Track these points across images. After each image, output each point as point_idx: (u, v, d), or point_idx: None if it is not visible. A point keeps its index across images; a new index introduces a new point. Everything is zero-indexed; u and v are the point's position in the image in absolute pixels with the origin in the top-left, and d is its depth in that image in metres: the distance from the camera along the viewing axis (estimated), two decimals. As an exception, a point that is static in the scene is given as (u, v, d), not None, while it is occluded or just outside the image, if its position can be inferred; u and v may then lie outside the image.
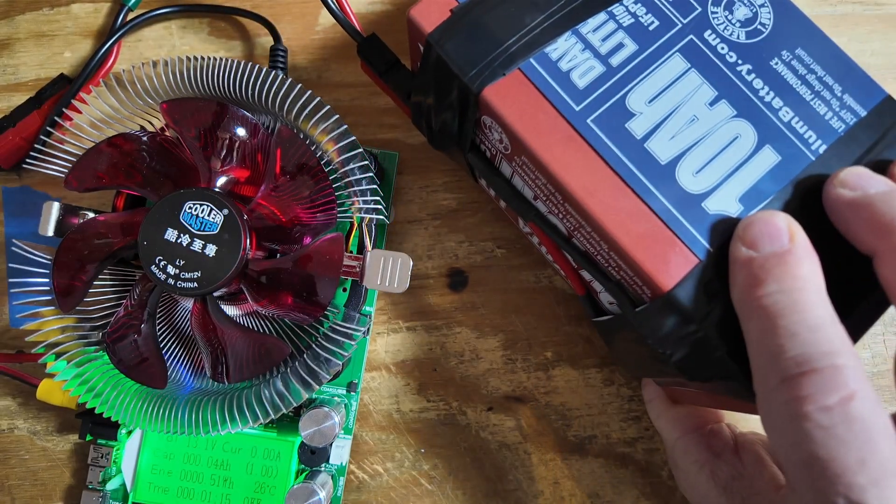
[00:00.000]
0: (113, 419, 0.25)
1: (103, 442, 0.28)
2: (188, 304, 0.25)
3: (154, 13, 0.32)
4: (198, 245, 0.24)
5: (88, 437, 0.28)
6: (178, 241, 0.24)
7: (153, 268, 0.24)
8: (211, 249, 0.24)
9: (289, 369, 0.25)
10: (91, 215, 0.26)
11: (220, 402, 0.25)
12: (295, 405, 0.24)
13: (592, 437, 0.31)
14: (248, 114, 0.25)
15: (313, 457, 0.28)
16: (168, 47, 0.32)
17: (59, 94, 0.31)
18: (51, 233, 0.25)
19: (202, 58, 0.25)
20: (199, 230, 0.24)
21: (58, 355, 0.25)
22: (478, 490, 0.30)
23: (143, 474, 0.28)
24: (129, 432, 0.28)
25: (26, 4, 0.33)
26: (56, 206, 0.26)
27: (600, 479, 0.30)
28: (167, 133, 0.26)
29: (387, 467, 0.31)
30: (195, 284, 0.23)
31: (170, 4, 0.32)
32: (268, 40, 0.32)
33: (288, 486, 0.27)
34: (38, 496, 0.30)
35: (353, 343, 0.25)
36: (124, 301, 0.25)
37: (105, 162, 0.25)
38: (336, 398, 0.30)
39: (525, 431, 0.31)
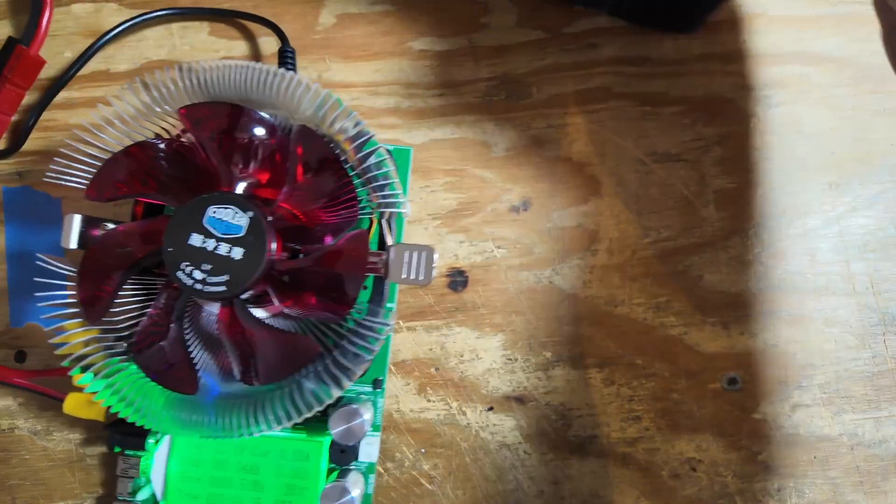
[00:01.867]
0: (145, 427, 0.25)
1: (131, 453, 0.28)
2: (214, 308, 0.25)
3: (154, 14, 0.32)
4: (223, 249, 0.23)
5: (117, 449, 0.28)
6: (204, 245, 0.23)
7: (179, 274, 0.23)
8: (237, 252, 0.23)
9: (319, 368, 0.25)
10: (111, 226, 0.26)
11: (251, 404, 0.25)
12: (327, 402, 0.24)
13: (593, 437, 0.31)
14: (265, 115, 0.25)
15: (343, 455, 0.28)
16: (168, 47, 0.32)
17: (10, 56, 0.30)
18: (73, 245, 0.25)
19: (215, 63, 0.25)
20: (223, 234, 0.23)
21: (85, 367, 0.25)
22: (478, 490, 0.30)
23: (172, 483, 0.28)
24: (157, 441, 0.28)
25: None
26: (77, 218, 0.25)
27: (601, 479, 0.30)
28: (183, 139, 0.26)
29: (387, 467, 0.31)
30: (223, 288, 0.23)
31: (171, 7, 0.32)
32: (269, 40, 0.32)
33: (319, 487, 0.27)
34: (39, 496, 0.31)
35: (380, 338, 0.24)
36: (149, 309, 0.25)
37: (123, 171, 0.25)
38: (362, 396, 0.29)
39: (525, 431, 0.31)
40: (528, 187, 0.32)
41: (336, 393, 0.24)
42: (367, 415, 0.27)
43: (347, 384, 0.24)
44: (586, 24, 0.32)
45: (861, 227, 0.31)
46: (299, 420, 0.24)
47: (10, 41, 0.30)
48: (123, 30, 0.32)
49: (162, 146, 0.25)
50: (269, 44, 0.32)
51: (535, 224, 0.31)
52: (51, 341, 0.25)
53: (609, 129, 0.32)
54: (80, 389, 0.26)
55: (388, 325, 0.25)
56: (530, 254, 0.31)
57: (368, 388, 0.30)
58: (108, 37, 0.31)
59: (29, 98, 0.32)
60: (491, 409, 0.31)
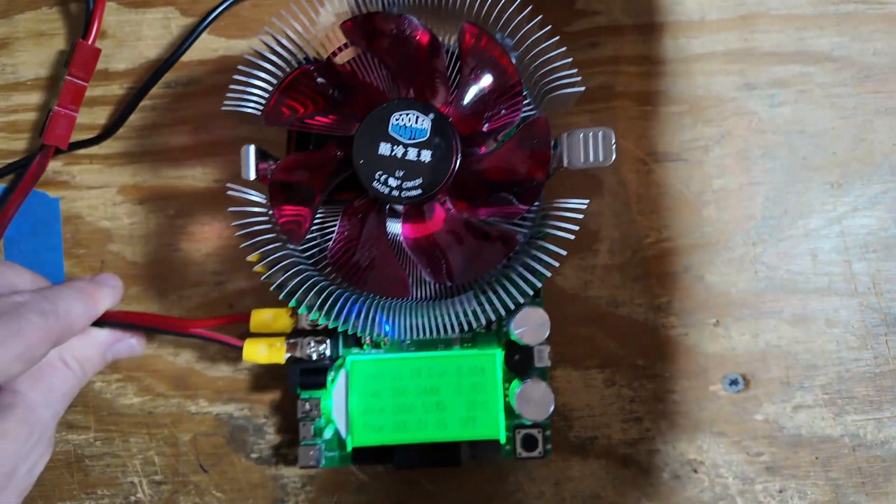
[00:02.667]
0: (354, 333, 0.25)
1: (306, 395, 0.28)
2: (395, 226, 0.26)
3: None
4: (412, 153, 0.24)
5: (300, 393, 0.28)
6: (393, 153, 0.24)
7: (375, 184, 0.24)
8: (426, 155, 0.24)
9: (524, 254, 0.25)
10: (272, 163, 0.26)
11: (458, 300, 0.25)
12: (537, 287, 0.25)
13: (594, 437, 0.30)
14: (419, 22, 0.25)
15: (519, 362, 0.28)
16: (168, 47, 0.32)
17: (74, 52, 0.31)
18: (252, 175, 0.25)
19: None
20: (410, 139, 0.24)
21: (284, 287, 0.25)
22: (478, 491, 0.30)
23: (356, 418, 0.28)
24: (334, 380, 0.28)
25: (26, 4, 0.32)
26: (252, 148, 0.25)
27: (601, 480, 0.30)
28: (338, 58, 0.27)
29: (388, 468, 0.30)
30: (419, 191, 0.24)
31: None
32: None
33: (499, 398, 0.28)
34: (38, 496, 0.30)
35: (579, 215, 0.24)
36: (338, 227, 0.26)
37: (295, 94, 0.25)
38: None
39: (525, 432, 0.30)
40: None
41: (546, 274, 0.24)
42: (544, 316, 0.27)
43: (556, 265, 0.24)
44: (586, 23, 0.32)
45: (863, 227, 0.31)
46: (511, 307, 0.24)
47: (74, 43, 0.31)
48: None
49: (326, 68, 0.26)
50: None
51: (535, 224, 0.31)
52: (249, 258, 0.25)
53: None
54: (256, 335, 0.28)
55: (583, 203, 0.25)
56: (530, 254, 0.31)
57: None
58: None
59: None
60: (491, 409, 0.31)
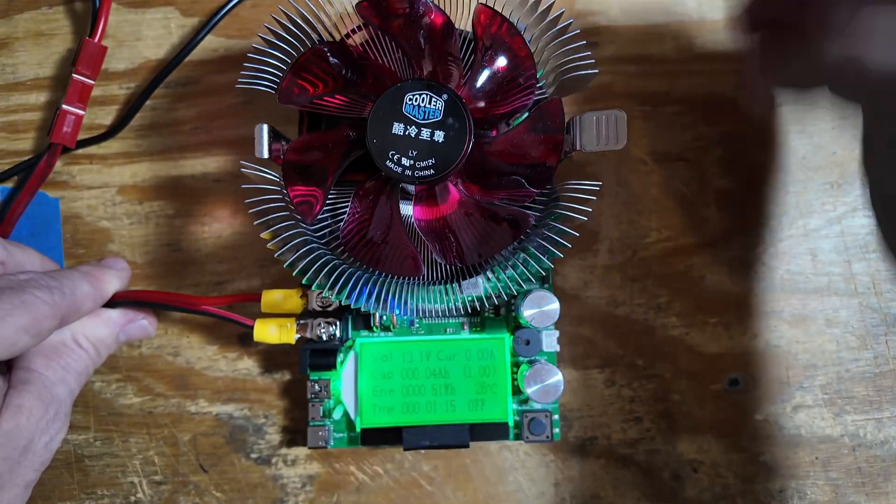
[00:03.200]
0: (364, 314, 0.26)
1: (316, 376, 0.29)
2: (406, 208, 0.26)
3: None
4: (426, 134, 0.24)
5: (310, 374, 0.28)
6: (406, 133, 0.24)
7: (388, 163, 0.24)
8: (439, 135, 0.24)
9: (535, 236, 0.25)
10: (285, 144, 0.26)
11: (469, 282, 0.26)
12: (549, 268, 0.25)
13: (593, 438, 0.30)
14: (438, 6, 0.25)
15: (528, 347, 0.28)
16: (167, 47, 0.32)
17: (81, 50, 0.31)
18: (265, 154, 0.25)
19: None
20: (423, 119, 0.24)
21: (295, 265, 0.25)
22: (478, 492, 0.30)
23: (365, 398, 0.28)
24: (342, 362, 0.29)
25: (25, 3, 0.32)
26: (266, 128, 0.25)
27: (601, 480, 0.30)
28: (353, 39, 0.27)
29: (387, 468, 0.30)
30: (432, 171, 0.24)
31: None
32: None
33: (507, 381, 0.28)
34: (37, 497, 0.30)
35: (593, 197, 0.24)
36: (351, 207, 0.26)
37: (307, 74, 0.26)
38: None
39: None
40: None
41: (558, 255, 0.24)
42: (554, 301, 0.28)
43: (569, 246, 0.25)
44: (586, 23, 0.32)
45: (863, 227, 0.31)
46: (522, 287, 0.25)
47: (81, 40, 0.31)
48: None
49: (340, 47, 0.26)
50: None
51: (535, 224, 0.31)
52: (270, 245, 0.25)
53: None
54: (266, 316, 0.28)
55: (597, 184, 0.25)
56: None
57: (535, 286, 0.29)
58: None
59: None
60: (491, 410, 0.31)
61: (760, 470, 0.30)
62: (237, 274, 0.31)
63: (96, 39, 0.31)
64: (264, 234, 0.25)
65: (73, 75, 0.31)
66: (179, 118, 0.32)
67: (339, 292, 0.25)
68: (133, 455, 0.30)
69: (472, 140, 0.24)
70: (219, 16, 0.32)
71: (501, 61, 0.25)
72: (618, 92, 0.32)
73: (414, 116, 0.24)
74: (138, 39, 0.32)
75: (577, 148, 0.25)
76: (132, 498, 0.30)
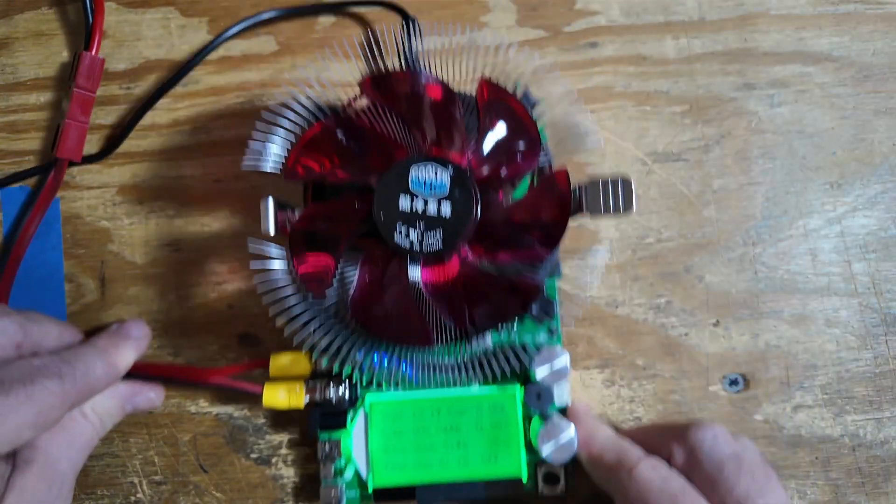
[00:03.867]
0: (382, 387, 0.26)
1: (326, 436, 0.28)
2: (414, 270, 0.26)
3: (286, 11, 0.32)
4: (432, 207, 0.24)
5: (321, 436, 0.28)
6: (413, 207, 0.24)
7: (396, 237, 0.24)
8: (446, 208, 0.24)
9: (539, 304, 0.25)
10: (296, 212, 0.26)
11: (481, 351, 0.26)
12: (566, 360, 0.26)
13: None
14: (439, 78, 0.26)
15: (540, 402, 0.28)
16: (167, 46, 0.32)
17: (78, 64, 0.31)
18: (272, 230, 0.25)
19: (371, 31, 0.26)
20: (430, 193, 0.24)
21: (307, 342, 0.25)
22: (478, 491, 0.30)
23: (377, 457, 0.28)
24: (353, 419, 0.28)
25: (25, 3, 0.32)
26: (271, 202, 0.25)
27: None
28: (354, 112, 0.27)
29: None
30: (440, 245, 0.24)
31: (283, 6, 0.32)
32: (268, 39, 0.32)
33: (520, 435, 0.28)
34: (37, 497, 0.30)
35: (604, 264, 0.25)
36: (358, 275, 0.26)
37: (313, 150, 0.26)
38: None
39: (525, 432, 0.30)
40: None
41: (569, 326, 0.25)
42: (565, 356, 0.27)
43: (578, 314, 0.25)
44: (586, 23, 0.32)
45: (862, 227, 0.31)
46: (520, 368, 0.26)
47: (77, 55, 0.31)
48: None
49: (345, 122, 0.26)
50: (267, 43, 0.32)
51: (535, 224, 0.31)
52: (272, 313, 0.25)
53: (609, 129, 0.32)
54: (275, 380, 0.28)
55: (605, 254, 0.25)
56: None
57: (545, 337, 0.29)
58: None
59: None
60: (491, 410, 0.31)
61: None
62: (237, 274, 0.31)
63: (93, 51, 0.31)
64: (272, 313, 0.25)
65: (74, 89, 0.30)
66: (180, 118, 0.32)
67: (351, 368, 0.25)
68: (133, 455, 0.30)
69: (479, 212, 0.25)
70: (242, 25, 0.32)
71: (504, 130, 0.26)
72: (618, 92, 0.32)
73: (420, 191, 0.24)
74: (138, 39, 0.32)
75: (584, 213, 0.25)
76: (132, 498, 0.30)
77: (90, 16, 0.31)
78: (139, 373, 0.28)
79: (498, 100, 0.25)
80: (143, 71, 0.32)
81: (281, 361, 0.28)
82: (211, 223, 0.31)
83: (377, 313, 0.25)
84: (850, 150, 0.32)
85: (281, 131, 0.26)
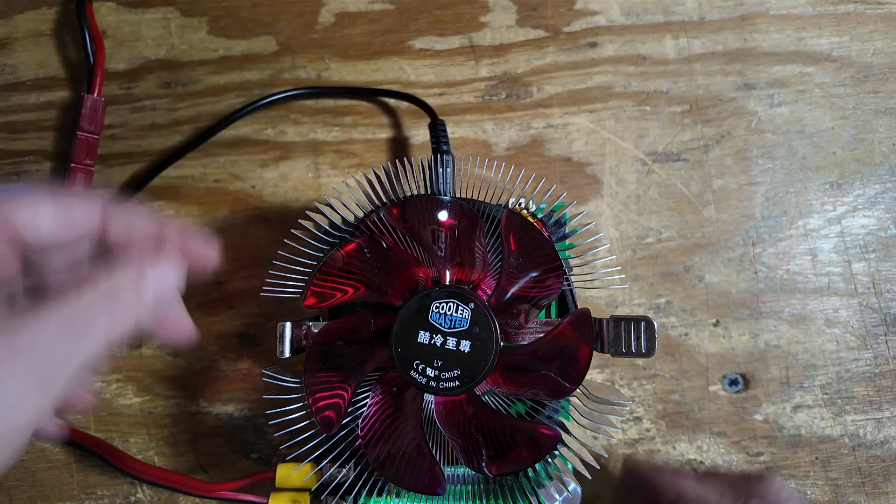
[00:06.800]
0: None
1: None
2: (430, 397, 0.25)
3: (289, 93, 0.31)
4: (451, 343, 0.24)
5: None
6: (432, 341, 0.24)
7: (413, 373, 0.23)
8: (465, 345, 0.24)
9: (561, 453, 0.24)
10: (312, 327, 0.25)
11: (496, 491, 0.25)
12: (577, 490, 0.24)
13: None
14: (465, 205, 0.25)
15: None
16: (167, 46, 0.32)
17: (82, 107, 0.31)
18: (287, 354, 0.25)
19: (398, 163, 0.25)
20: (449, 328, 0.24)
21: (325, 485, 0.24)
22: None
23: None
24: None
25: (25, 4, 0.32)
26: (289, 327, 0.25)
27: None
28: (374, 237, 0.26)
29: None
30: (457, 383, 0.23)
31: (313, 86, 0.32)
32: (268, 39, 0.32)
33: None
34: (37, 497, 0.30)
35: (623, 416, 0.23)
36: (372, 407, 0.25)
37: (333, 276, 0.25)
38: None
39: (525, 432, 0.30)
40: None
41: (586, 474, 0.23)
42: (573, 483, 0.26)
43: (597, 467, 0.24)
44: (586, 23, 0.32)
45: (862, 227, 0.31)
46: None
47: (80, 97, 0.31)
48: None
49: (366, 249, 0.25)
50: (267, 43, 0.32)
51: (535, 224, 0.31)
52: (289, 457, 0.25)
53: (609, 129, 0.32)
54: (280, 490, 0.27)
55: (626, 405, 0.24)
56: (530, 254, 0.31)
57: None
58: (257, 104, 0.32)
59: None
60: (491, 410, 0.31)
61: (760, 470, 0.30)
62: (237, 273, 0.31)
63: (95, 94, 0.31)
64: (284, 447, 0.25)
65: (78, 133, 0.30)
66: (180, 118, 0.32)
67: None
68: (133, 455, 0.30)
69: (499, 351, 0.24)
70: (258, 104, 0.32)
71: (527, 259, 0.25)
72: (618, 92, 0.32)
73: (440, 325, 0.24)
74: (138, 39, 0.32)
75: (604, 352, 0.25)
76: (132, 498, 0.30)
77: (91, 57, 0.31)
78: (147, 479, 0.28)
79: (522, 228, 0.24)
80: (143, 71, 0.32)
81: (286, 472, 0.28)
82: (211, 223, 0.31)
83: (387, 452, 0.24)
84: (850, 150, 0.32)
85: (303, 255, 0.25)
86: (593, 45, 0.32)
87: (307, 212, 0.25)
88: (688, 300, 0.31)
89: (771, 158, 0.32)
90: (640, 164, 0.32)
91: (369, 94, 0.32)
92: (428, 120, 0.31)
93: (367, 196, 0.25)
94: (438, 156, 0.25)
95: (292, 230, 0.24)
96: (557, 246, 0.25)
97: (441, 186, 0.25)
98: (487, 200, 0.26)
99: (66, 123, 0.32)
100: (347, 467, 0.25)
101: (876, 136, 0.32)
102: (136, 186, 0.31)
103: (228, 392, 0.31)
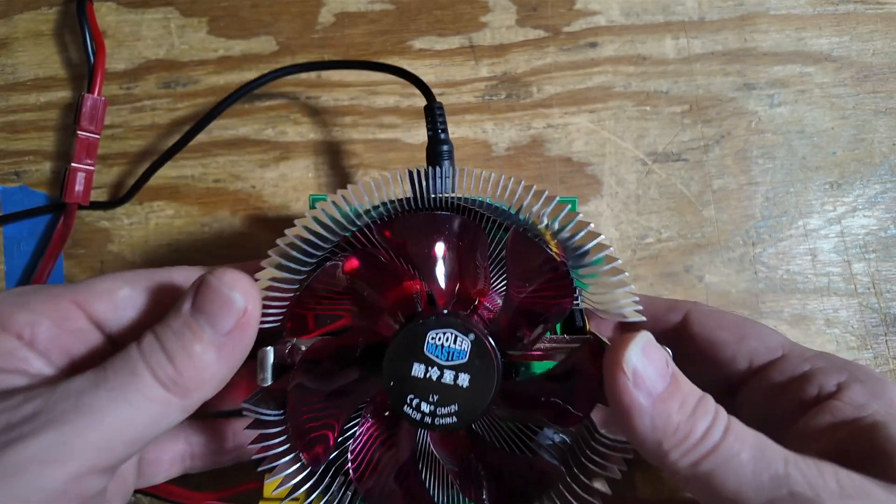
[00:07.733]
0: None
1: None
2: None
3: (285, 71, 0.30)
4: (449, 377, 0.21)
5: None
6: (428, 375, 0.21)
7: (406, 408, 0.21)
8: (463, 379, 0.21)
9: (563, 489, 0.23)
10: (298, 344, 0.23)
11: None
12: None
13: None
14: (467, 220, 0.23)
15: None
16: (167, 46, 0.32)
17: (81, 107, 0.30)
18: (270, 381, 0.22)
19: (392, 173, 0.22)
20: (447, 361, 0.22)
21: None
22: (478, 491, 0.30)
23: None
24: None
25: (25, 3, 0.32)
26: (270, 351, 0.22)
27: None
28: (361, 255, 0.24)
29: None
30: (454, 419, 0.21)
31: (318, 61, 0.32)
32: (268, 39, 0.32)
33: None
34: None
35: (628, 455, 0.22)
36: (361, 438, 0.23)
37: (318, 299, 0.23)
38: None
39: (525, 432, 0.30)
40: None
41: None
42: None
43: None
44: (586, 23, 0.32)
45: (862, 227, 0.31)
46: None
47: (80, 97, 0.31)
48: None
49: (357, 268, 0.23)
50: (267, 43, 0.32)
51: (535, 224, 0.31)
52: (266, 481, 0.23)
53: (609, 129, 0.32)
54: (270, 500, 0.25)
55: (628, 454, 0.22)
56: (530, 254, 0.31)
57: None
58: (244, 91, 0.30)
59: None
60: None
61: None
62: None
63: (95, 93, 0.31)
64: (267, 480, 0.23)
65: (78, 132, 0.30)
66: (181, 118, 0.32)
67: None
68: (133, 455, 0.30)
69: (499, 386, 0.22)
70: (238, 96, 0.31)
71: (535, 278, 0.23)
72: (618, 92, 0.32)
73: (436, 357, 0.21)
74: (138, 39, 0.32)
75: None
76: (132, 498, 0.30)
77: (91, 57, 0.31)
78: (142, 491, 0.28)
79: (528, 250, 0.22)
80: (143, 71, 0.32)
81: (275, 485, 0.26)
82: (211, 223, 0.31)
83: (381, 486, 0.23)
84: (850, 150, 0.32)
85: (285, 275, 0.23)
86: (593, 45, 0.32)
87: (285, 230, 0.22)
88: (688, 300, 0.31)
89: (771, 158, 0.32)
90: (640, 164, 0.32)
91: (364, 66, 0.30)
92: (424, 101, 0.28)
93: (355, 212, 0.22)
94: (436, 168, 0.23)
95: (269, 251, 0.22)
96: (574, 272, 0.22)
97: (439, 192, 0.23)
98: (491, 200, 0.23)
99: (66, 123, 0.32)
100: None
101: (876, 136, 0.32)
102: (136, 186, 0.31)
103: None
